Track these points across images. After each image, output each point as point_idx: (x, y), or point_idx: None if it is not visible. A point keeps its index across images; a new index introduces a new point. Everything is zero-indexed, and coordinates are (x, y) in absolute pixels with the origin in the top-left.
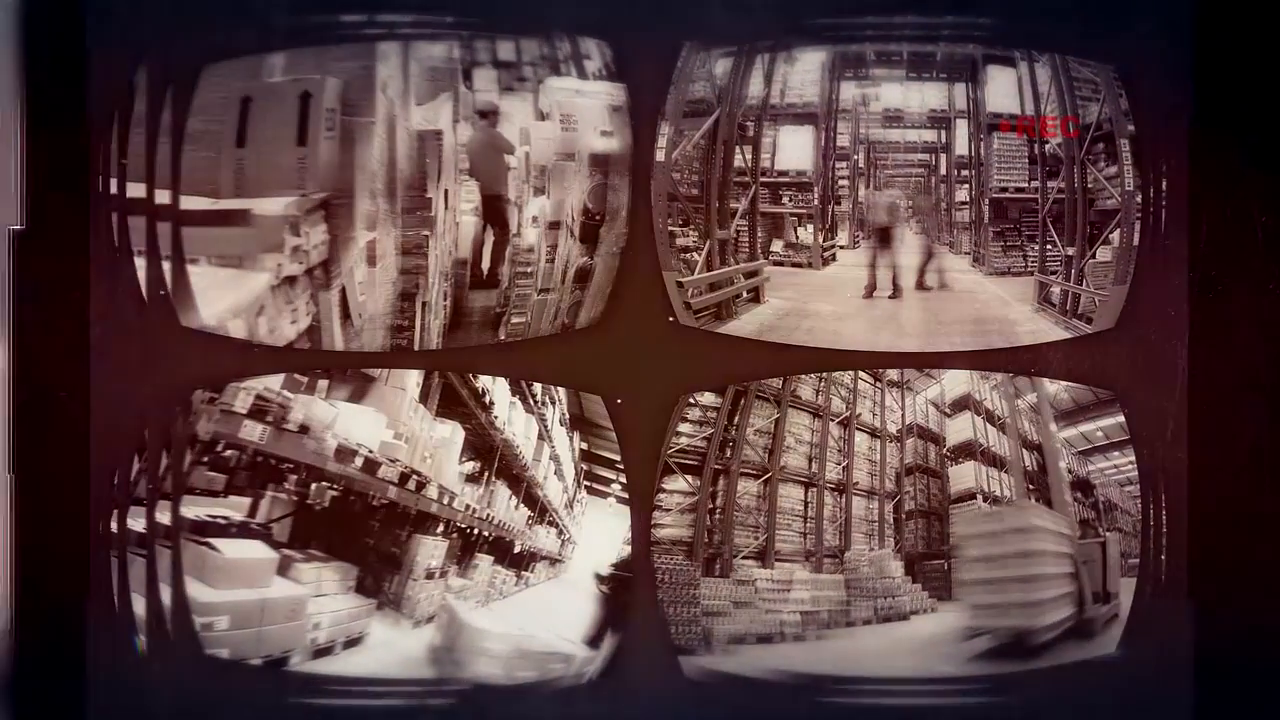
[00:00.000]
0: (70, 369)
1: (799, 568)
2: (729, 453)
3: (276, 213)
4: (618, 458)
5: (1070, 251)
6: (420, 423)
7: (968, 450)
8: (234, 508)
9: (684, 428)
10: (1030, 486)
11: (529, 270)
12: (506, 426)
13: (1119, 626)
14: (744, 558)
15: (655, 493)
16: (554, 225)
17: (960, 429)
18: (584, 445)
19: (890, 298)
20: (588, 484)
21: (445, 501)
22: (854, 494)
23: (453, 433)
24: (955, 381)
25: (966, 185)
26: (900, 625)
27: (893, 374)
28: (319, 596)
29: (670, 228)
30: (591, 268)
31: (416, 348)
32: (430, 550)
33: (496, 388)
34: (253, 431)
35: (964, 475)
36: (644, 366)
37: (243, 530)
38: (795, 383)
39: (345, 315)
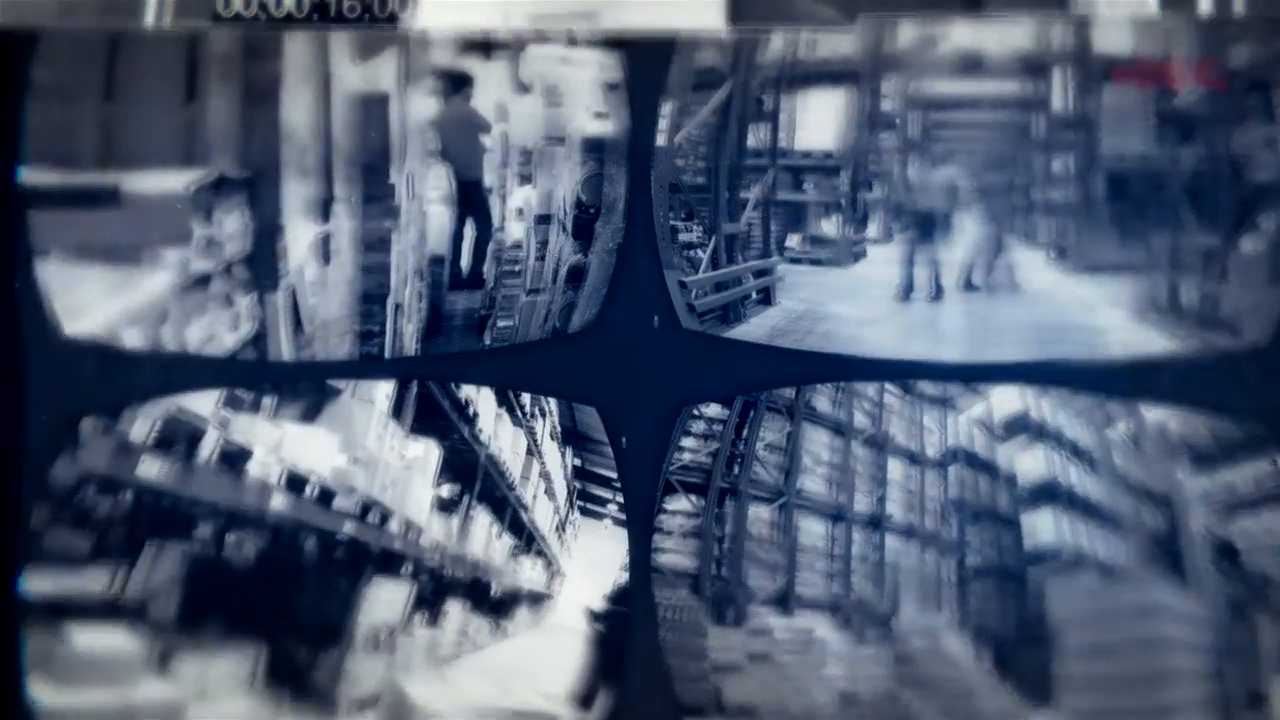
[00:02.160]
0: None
1: (824, 623)
2: (736, 470)
3: (172, 191)
4: (614, 475)
5: (1210, 242)
6: (382, 443)
7: (1048, 494)
8: (96, 579)
9: (687, 442)
10: (1154, 551)
11: (516, 269)
12: (492, 442)
13: None
14: (760, 603)
15: (656, 513)
16: (543, 219)
17: (1032, 466)
18: (577, 461)
19: (930, 300)
20: (581, 504)
21: (410, 537)
22: (889, 529)
23: (426, 452)
24: (1006, 398)
25: (1067, 155)
26: None
27: (930, 389)
28: (204, 699)
29: (673, 222)
30: (585, 266)
31: (388, 355)
32: (386, 603)
33: (481, 398)
34: (151, 469)
35: (1042, 525)
36: (643, 375)
37: (109, 609)
38: (810, 394)
39: (296, 321)
